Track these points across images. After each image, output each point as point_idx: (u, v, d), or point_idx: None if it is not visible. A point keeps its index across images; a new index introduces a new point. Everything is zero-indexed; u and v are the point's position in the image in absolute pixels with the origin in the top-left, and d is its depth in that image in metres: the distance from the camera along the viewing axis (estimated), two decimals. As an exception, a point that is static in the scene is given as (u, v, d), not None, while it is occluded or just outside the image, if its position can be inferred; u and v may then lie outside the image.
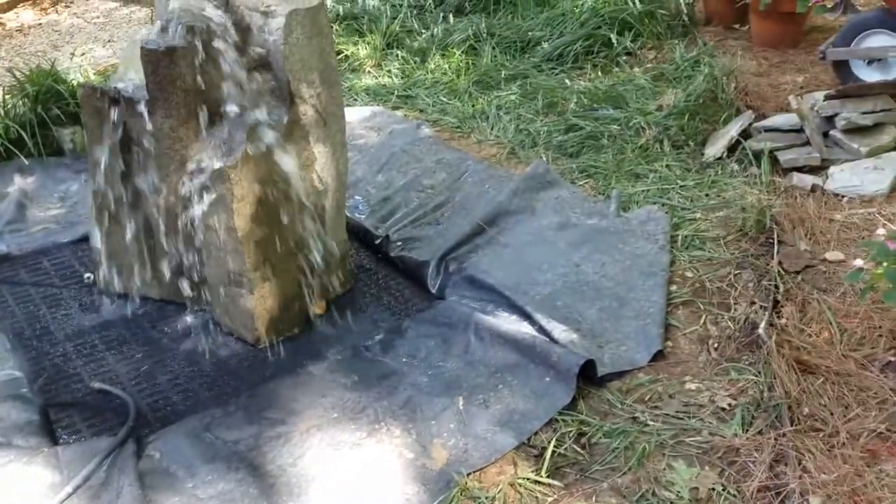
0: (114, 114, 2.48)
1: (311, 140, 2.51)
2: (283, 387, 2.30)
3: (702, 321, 2.49)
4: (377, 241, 2.99)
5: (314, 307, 2.65)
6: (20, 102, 3.67)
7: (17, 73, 3.78)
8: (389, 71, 4.51)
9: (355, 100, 4.21)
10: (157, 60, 2.32)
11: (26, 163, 3.48)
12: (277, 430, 2.13)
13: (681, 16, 4.63)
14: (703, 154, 3.42)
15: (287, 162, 2.44)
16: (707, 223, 2.95)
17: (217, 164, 2.34)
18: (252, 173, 2.35)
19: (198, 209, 2.44)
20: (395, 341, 2.48)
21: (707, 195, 3.13)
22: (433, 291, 2.74)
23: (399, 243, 2.97)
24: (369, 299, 2.76)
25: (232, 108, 2.42)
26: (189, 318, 2.63)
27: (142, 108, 2.42)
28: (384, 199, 3.28)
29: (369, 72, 4.56)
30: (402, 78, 4.43)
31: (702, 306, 2.55)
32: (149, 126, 2.43)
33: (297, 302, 2.59)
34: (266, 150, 2.39)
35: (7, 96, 3.70)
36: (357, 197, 3.29)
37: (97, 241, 2.72)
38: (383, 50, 4.70)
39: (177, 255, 2.59)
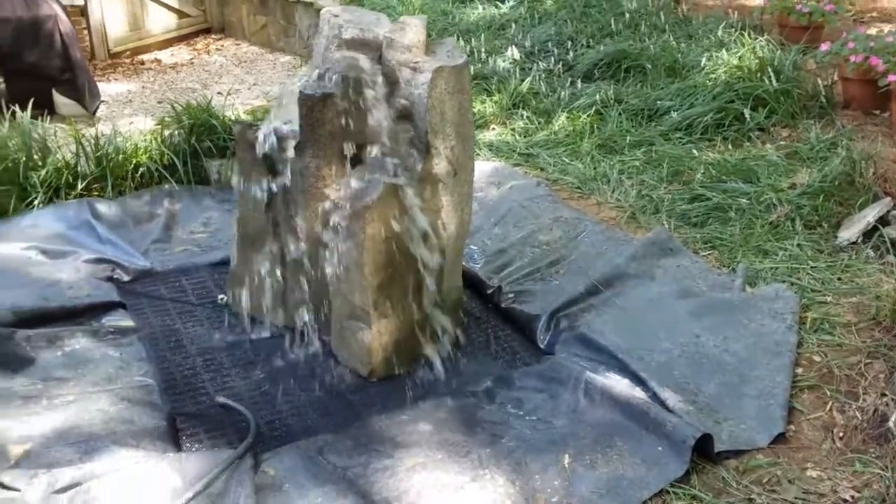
0: (265, 150, 2.68)
1: (440, 189, 2.62)
2: (391, 421, 2.35)
3: (828, 408, 2.38)
4: (489, 291, 3.04)
5: (425, 348, 2.72)
6: (176, 132, 4.00)
7: (176, 106, 4.13)
8: (513, 129, 4.63)
9: (478, 154, 4.33)
10: (312, 105, 2.51)
11: (176, 188, 3.78)
12: (384, 463, 2.18)
13: (818, 97, 4.52)
14: (836, 237, 3.29)
15: (417, 207, 2.55)
16: (838, 308, 2.83)
17: (353, 204, 2.48)
18: (384, 215, 2.47)
19: (330, 244, 2.58)
20: (502, 391, 2.50)
21: (839, 279, 3.01)
22: (542, 346, 2.75)
23: (511, 295, 3.01)
24: (478, 347, 2.80)
25: (373, 153, 2.57)
26: (309, 347, 2.74)
27: (292, 146, 2.61)
28: (499, 250, 3.33)
29: (494, 128, 4.69)
30: (525, 136, 4.53)
31: (828, 392, 2.43)
32: (296, 164, 2.61)
33: (410, 341, 2.66)
34: (400, 195, 2.51)
35: (160, 125, 4.03)
36: (473, 247, 3.36)
37: (235, 265, 2.92)
38: (509, 109, 4.83)
39: (305, 286, 2.73)
